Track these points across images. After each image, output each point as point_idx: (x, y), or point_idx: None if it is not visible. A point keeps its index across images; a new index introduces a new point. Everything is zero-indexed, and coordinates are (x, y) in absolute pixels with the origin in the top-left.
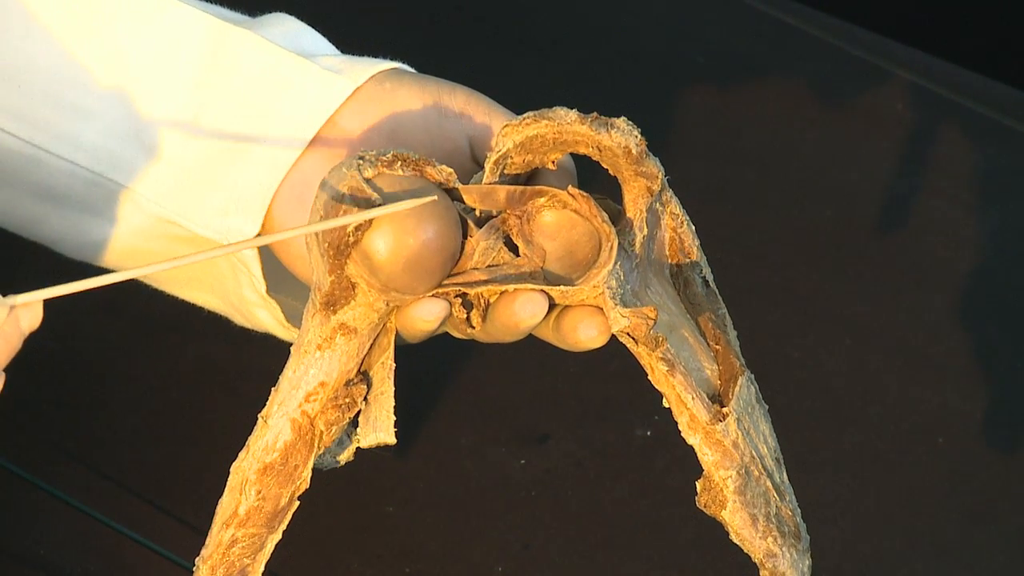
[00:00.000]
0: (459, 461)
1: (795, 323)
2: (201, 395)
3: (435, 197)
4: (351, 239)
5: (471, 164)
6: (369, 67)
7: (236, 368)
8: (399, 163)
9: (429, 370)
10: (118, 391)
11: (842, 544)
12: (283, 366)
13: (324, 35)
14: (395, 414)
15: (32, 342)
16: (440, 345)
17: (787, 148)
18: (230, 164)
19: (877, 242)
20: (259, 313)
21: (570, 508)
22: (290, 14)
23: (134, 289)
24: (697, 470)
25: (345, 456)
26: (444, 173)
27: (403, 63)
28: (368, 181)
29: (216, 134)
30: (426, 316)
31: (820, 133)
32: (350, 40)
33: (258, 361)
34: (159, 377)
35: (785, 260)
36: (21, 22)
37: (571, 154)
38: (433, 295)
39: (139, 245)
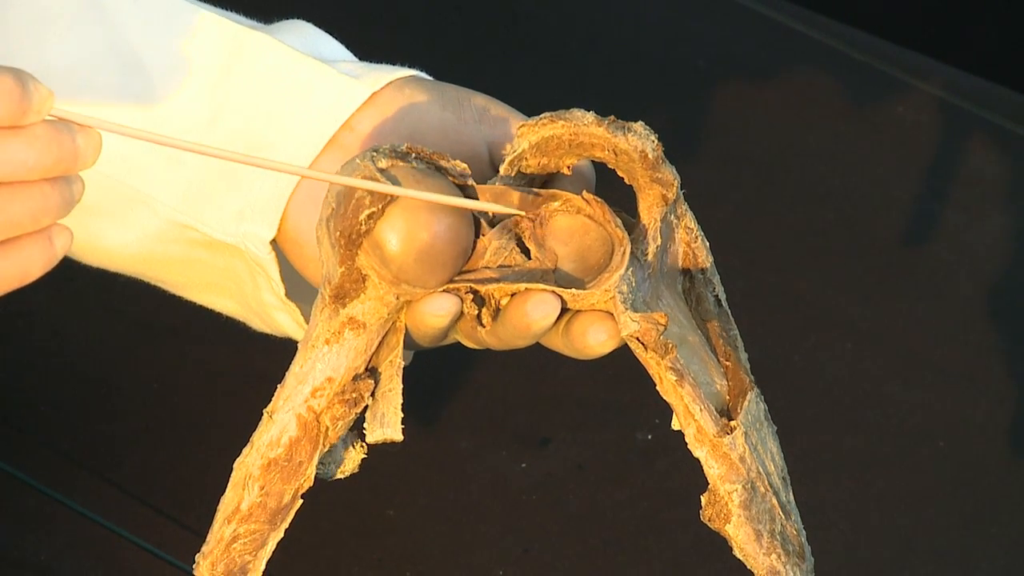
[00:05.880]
0: (460, 464)
1: (796, 327)
2: (203, 399)
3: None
4: (363, 228)
5: (490, 170)
6: (387, 73)
7: (238, 372)
8: (413, 156)
9: (430, 373)
10: (120, 395)
11: (843, 548)
12: (286, 369)
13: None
14: (403, 411)
15: (33, 345)
16: (442, 349)
17: (790, 153)
18: (246, 168)
19: (880, 247)
20: (279, 317)
21: (571, 511)
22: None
23: (136, 293)
24: (698, 474)
25: (351, 467)
26: (459, 168)
27: (420, 70)
28: (382, 171)
29: (232, 138)
30: (437, 311)
31: (823, 138)
32: (357, 48)
33: (260, 365)
34: (161, 381)
35: (787, 264)
36: (37, 26)
37: (591, 163)
38: (444, 291)
39: (155, 249)
